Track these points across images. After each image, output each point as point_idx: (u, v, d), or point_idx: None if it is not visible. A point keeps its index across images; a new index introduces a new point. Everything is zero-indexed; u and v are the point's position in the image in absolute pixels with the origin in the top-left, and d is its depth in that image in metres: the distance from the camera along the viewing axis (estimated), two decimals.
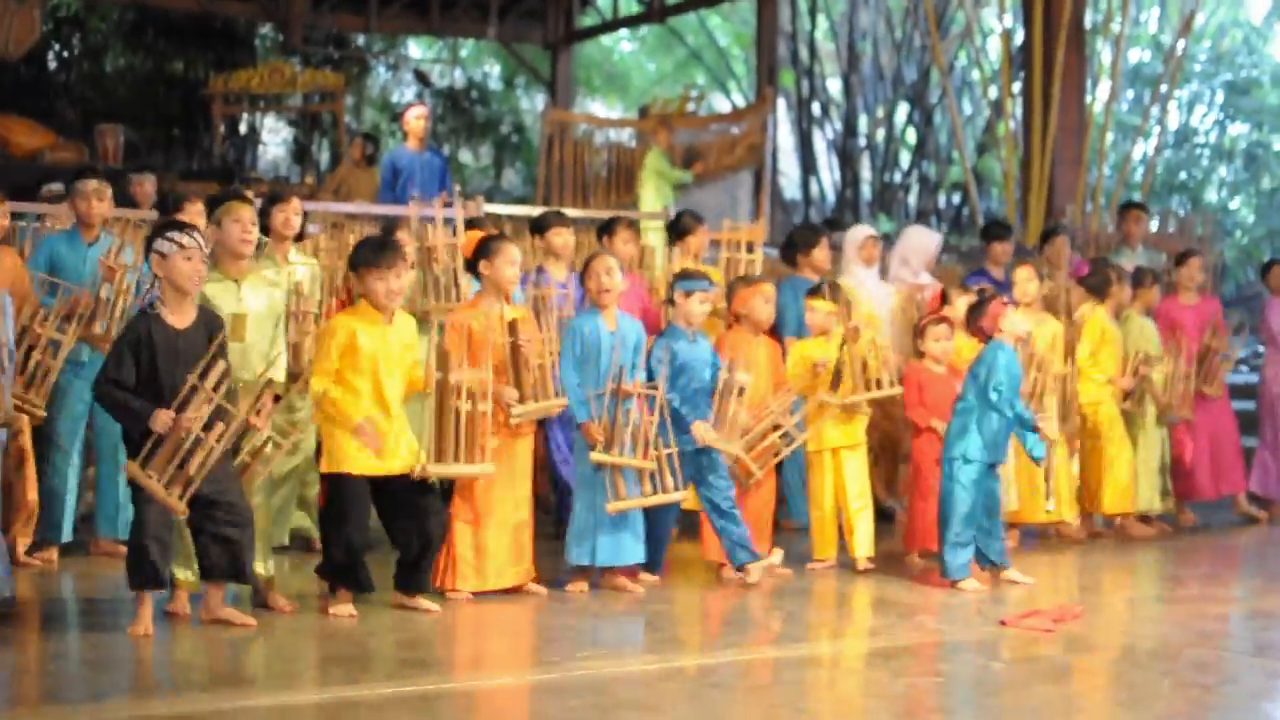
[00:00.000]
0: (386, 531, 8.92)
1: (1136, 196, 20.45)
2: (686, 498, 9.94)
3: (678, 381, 9.83)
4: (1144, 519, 12.61)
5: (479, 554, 9.22)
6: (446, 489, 9.30)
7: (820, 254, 12.38)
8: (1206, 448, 13.40)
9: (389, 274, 8.60)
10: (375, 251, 8.70)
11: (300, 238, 10.29)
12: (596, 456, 9.36)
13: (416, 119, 17.83)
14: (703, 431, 9.75)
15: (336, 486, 8.65)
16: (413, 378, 8.80)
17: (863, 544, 10.57)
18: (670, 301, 10.16)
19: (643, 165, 19.04)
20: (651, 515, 9.84)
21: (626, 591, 9.49)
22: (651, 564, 9.97)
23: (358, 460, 8.57)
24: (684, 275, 10.24)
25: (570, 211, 13.45)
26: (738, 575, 9.87)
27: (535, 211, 13.28)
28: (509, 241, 9.57)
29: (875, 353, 10.57)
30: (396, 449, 8.65)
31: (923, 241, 13.54)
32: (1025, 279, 11.99)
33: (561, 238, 11.55)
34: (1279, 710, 7.18)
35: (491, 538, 9.26)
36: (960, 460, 10.07)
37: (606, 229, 12.09)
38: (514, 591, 9.35)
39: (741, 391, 9.92)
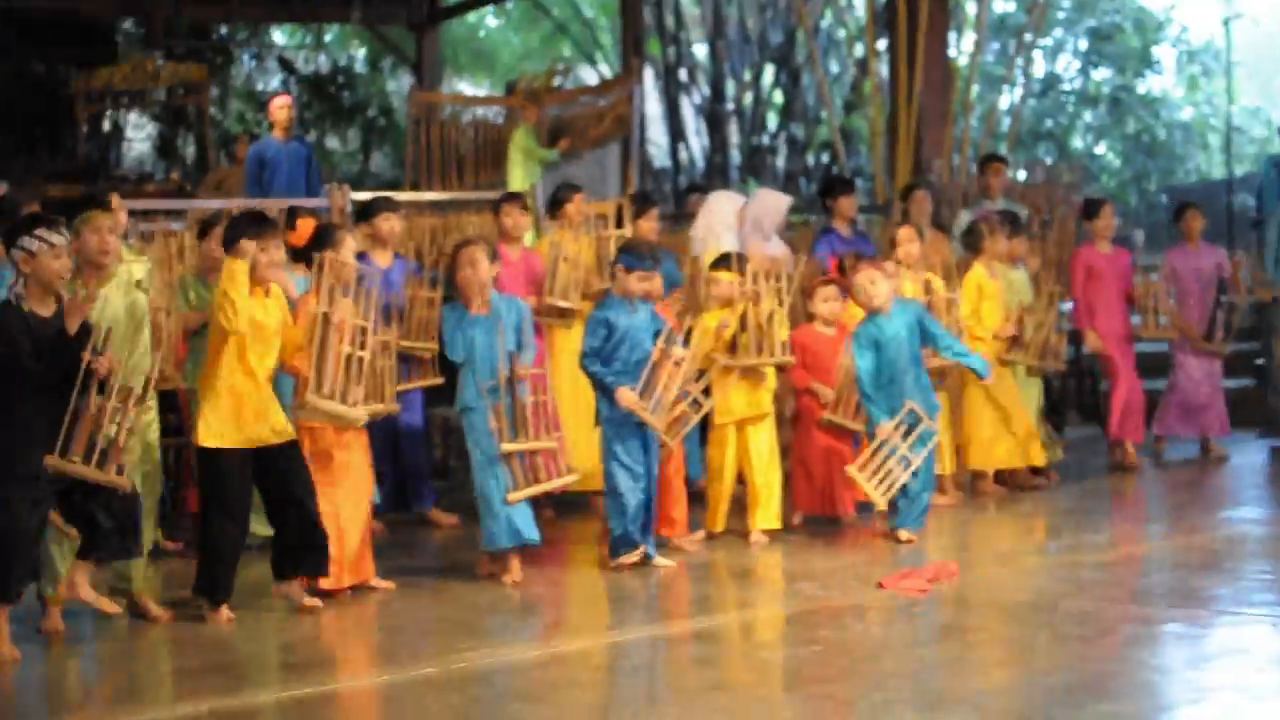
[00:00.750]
0: (268, 515, 8.81)
1: (1003, 147, 20.52)
2: (578, 480, 9.90)
3: (618, 352, 9.70)
4: (1035, 471, 12.65)
5: (341, 551, 9.12)
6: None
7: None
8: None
9: (269, 245, 8.52)
10: (255, 223, 8.63)
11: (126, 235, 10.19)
12: (506, 446, 9.25)
13: (280, 109, 17.65)
14: (628, 398, 9.62)
15: (211, 464, 8.55)
16: (287, 344, 8.69)
17: (767, 517, 10.56)
18: (613, 273, 10.05)
19: (510, 144, 18.94)
20: None
21: (511, 578, 9.41)
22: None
23: (232, 434, 8.49)
24: (629, 250, 10.06)
25: (432, 195, 13.38)
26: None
27: (403, 196, 13.21)
28: (343, 229, 9.45)
29: (776, 319, 10.52)
30: (266, 420, 8.55)
31: (772, 204, 13.44)
32: (907, 239, 11.93)
33: (389, 224, 11.51)
34: (1156, 657, 7.22)
35: (344, 530, 9.17)
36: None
37: (495, 206, 12.09)
38: (362, 588, 9.29)
39: (678, 364, 9.83)
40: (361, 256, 11.35)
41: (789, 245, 13.37)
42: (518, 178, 18.09)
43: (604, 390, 9.69)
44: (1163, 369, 14.33)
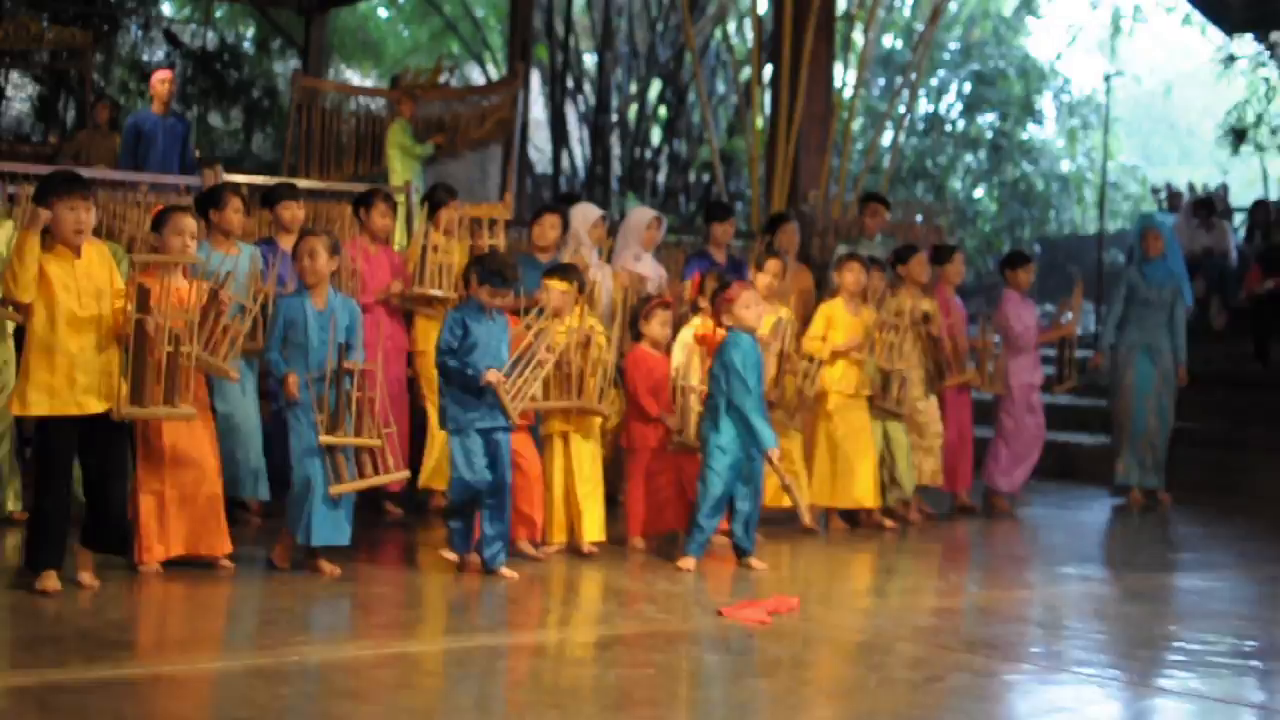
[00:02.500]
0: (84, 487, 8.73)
1: (881, 182, 20.69)
2: (408, 477, 9.92)
3: (470, 356, 9.66)
4: (887, 512, 12.76)
5: (162, 523, 9.09)
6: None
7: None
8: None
9: (80, 205, 8.40)
10: (66, 182, 8.49)
11: None
12: (324, 439, 9.24)
13: (161, 82, 17.54)
14: (494, 376, 9.55)
15: (36, 432, 8.47)
16: (112, 315, 8.58)
17: (590, 529, 10.60)
18: (466, 282, 10.00)
19: (387, 138, 18.91)
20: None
21: (327, 575, 9.40)
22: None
23: (36, 400, 8.38)
24: (481, 264, 9.91)
25: (305, 183, 13.32)
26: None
27: (274, 181, 13.13)
28: (181, 212, 9.34)
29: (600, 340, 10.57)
30: (85, 389, 8.44)
31: (635, 219, 13.50)
32: (772, 272, 12.05)
33: (290, 211, 11.48)
34: (982, 706, 7.28)
35: (175, 505, 9.14)
36: (717, 450, 10.31)
37: (363, 201, 11.99)
38: (205, 562, 9.28)
39: (539, 366, 9.83)
40: (268, 242, 11.35)
41: (662, 265, 13.46)
42: (397, 171, 18.07)
43: (462, 384, 9.66)
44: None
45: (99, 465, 8.55)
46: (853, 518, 12.63)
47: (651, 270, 13.17)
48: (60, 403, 8.36)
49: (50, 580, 8.38)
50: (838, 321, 12.38)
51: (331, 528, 9.39)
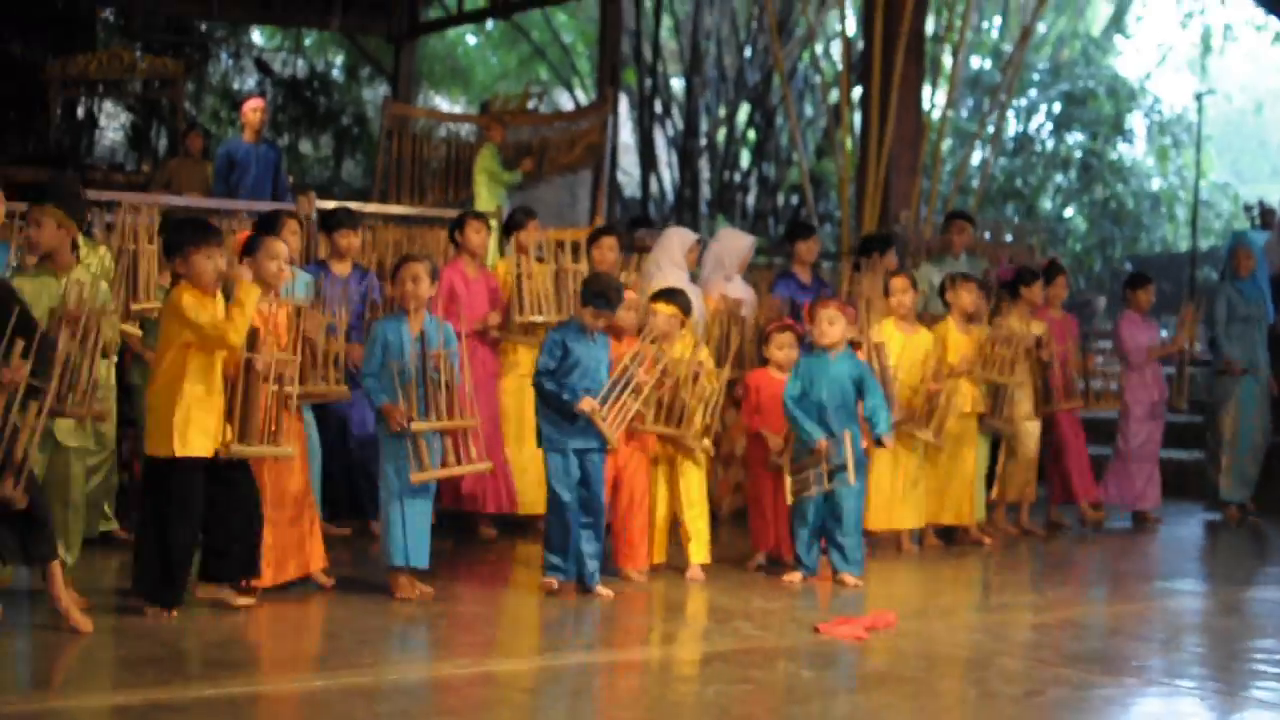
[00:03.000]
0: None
1: (971, 203, 20.62)
2: (490, 469, 9.97)
3: (569, 378, 9.70)
4: (980, 528, 12.78)
5: (269, 548, 9.13)
6: None
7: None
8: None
9: (216, 253, 8.50)
10: (200, 231, 8.60)
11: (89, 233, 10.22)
12: (416, 425, 9.23)
13: (253, 111, 17.73)
14: (590, 406, 9.60)
15: (167, 473, 8.50)
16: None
17: (697, 552, 10.63)
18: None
19: (475, 163, 18.94)
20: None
21: (414, 596, 9.43)
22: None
23: (196, 441, 8.45)
24: (588, 285, 10.05)
25: (398, 209, 13.40)
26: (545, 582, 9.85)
27: (370, 208, 13.24)
28: (272, 237, 9.38)
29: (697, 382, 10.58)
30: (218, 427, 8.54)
31: (735, 244, 13.54)
32: (901, 289, 12.15)
33: (346, 240, 11.56)
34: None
35: (278, 530, 9.21)
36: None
37: (457, 224, 12.08)
38: (301, 581, 9.38)
39: (637, 389, 9.85)
40: (321, 265, 11.43)
41: (751, 286, 13.48)
42: (483, 197, 18.13)
43: (558, 408, 9.69)
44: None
45: (227, 501, 8.64)
46: (949, 534, 12.61)
47: (742, 292, 13.20)
48: (205, 444, 8.47)
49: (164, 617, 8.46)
50: (951, 341, 12.38)
51: (421, 550, 9.44)
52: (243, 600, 8.72)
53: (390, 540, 9.39)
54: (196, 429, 8.42)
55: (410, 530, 9.35)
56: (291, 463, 9.27)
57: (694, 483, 10.69)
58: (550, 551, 9.78)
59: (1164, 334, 14.75)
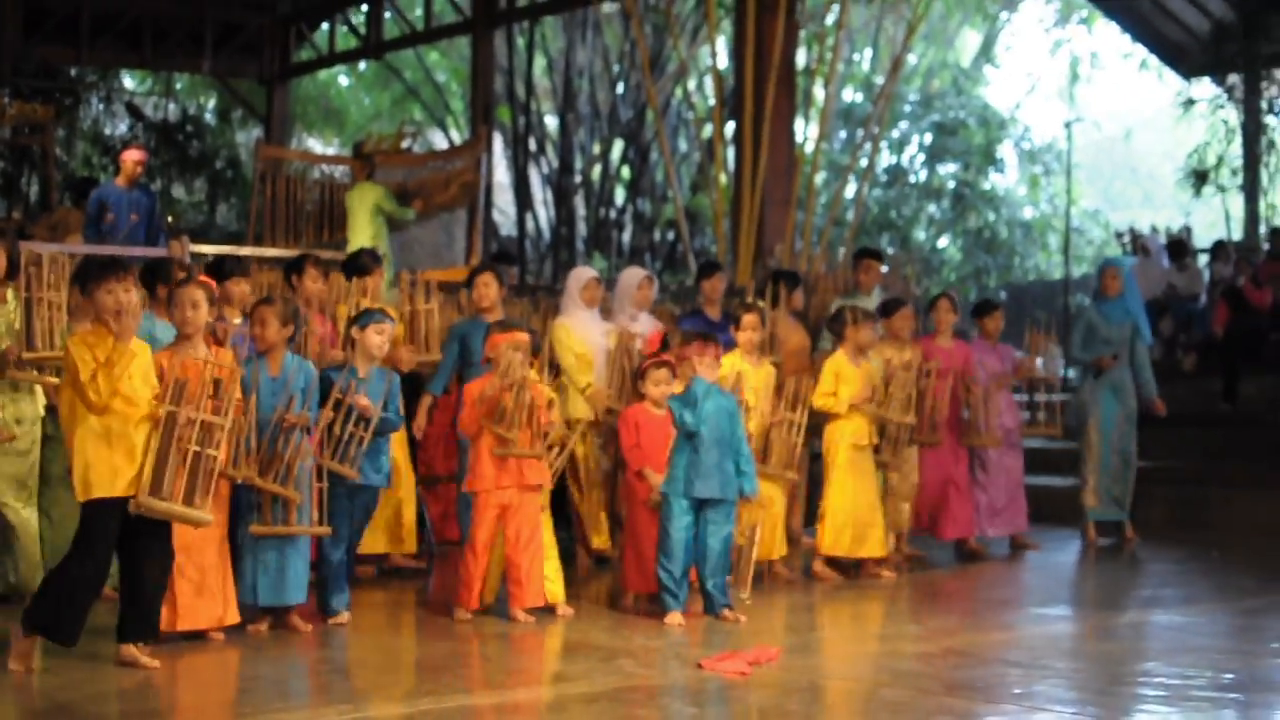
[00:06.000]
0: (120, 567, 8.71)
1: (846, 235, 20.76)
2: (326, 534, 9.98)
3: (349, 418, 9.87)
4: (877, 561, 12.82)
5: (170, 594, 9.05)
6: None
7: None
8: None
9: (116, 287, 8.43)
10: (103, 266, 8.57)
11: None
12: (245, 478, 9.35)
13: (135, 164, 17.50)
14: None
15: (87, 512, 8.39)
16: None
17: (556, 591, 10.64)
18: (349, 343, 10.14)
19: (361, 200, 18.68)
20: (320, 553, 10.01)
21: (300, 631, 9.45)
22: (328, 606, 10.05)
23: (101, 482, 8.34)
24: (359, 313, 10.31)
25: (272, 251, 13.34)
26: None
27: (245, 251, 13.17)
28: (190, 285, 9.32)
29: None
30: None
31: (624, 280, 13.66)
32: (751, 326, 12.21)
33: (239, 287, 11.49)
34: None
35: (184, 578, 9.12)
36: (674, 503, 10.42)
37: (295, 266, 12.03)
38: (202, 634, 9.29)
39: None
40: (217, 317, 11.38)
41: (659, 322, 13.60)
42: (366, 235, 17.94)
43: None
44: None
45: (142, 554, 8.55)
46: (844, 566, 12.66)
47: (648, 329, 13.28)
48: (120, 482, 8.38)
49: (30, 655, 8.37)
50: (845, 375, 12.46)
51: (279, 588, 9.56)
52: (150, 661, 8.58)
53: (240, 578, 9.55)
54: (99, 471, 8.30)
55: (261, 568, 9.53)
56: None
57: (527, 526, 10.62)
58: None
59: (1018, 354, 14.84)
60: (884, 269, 15.78)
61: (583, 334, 12.84)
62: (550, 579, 10.59)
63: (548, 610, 10.52)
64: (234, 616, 9.45)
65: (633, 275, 13.72)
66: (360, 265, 12.46)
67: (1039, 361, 14.55)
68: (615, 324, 13.21)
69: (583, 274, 13.33)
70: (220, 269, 11.70)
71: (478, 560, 10.22)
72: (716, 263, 15.21)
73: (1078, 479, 15.25)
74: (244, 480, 9.36)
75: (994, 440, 14.00)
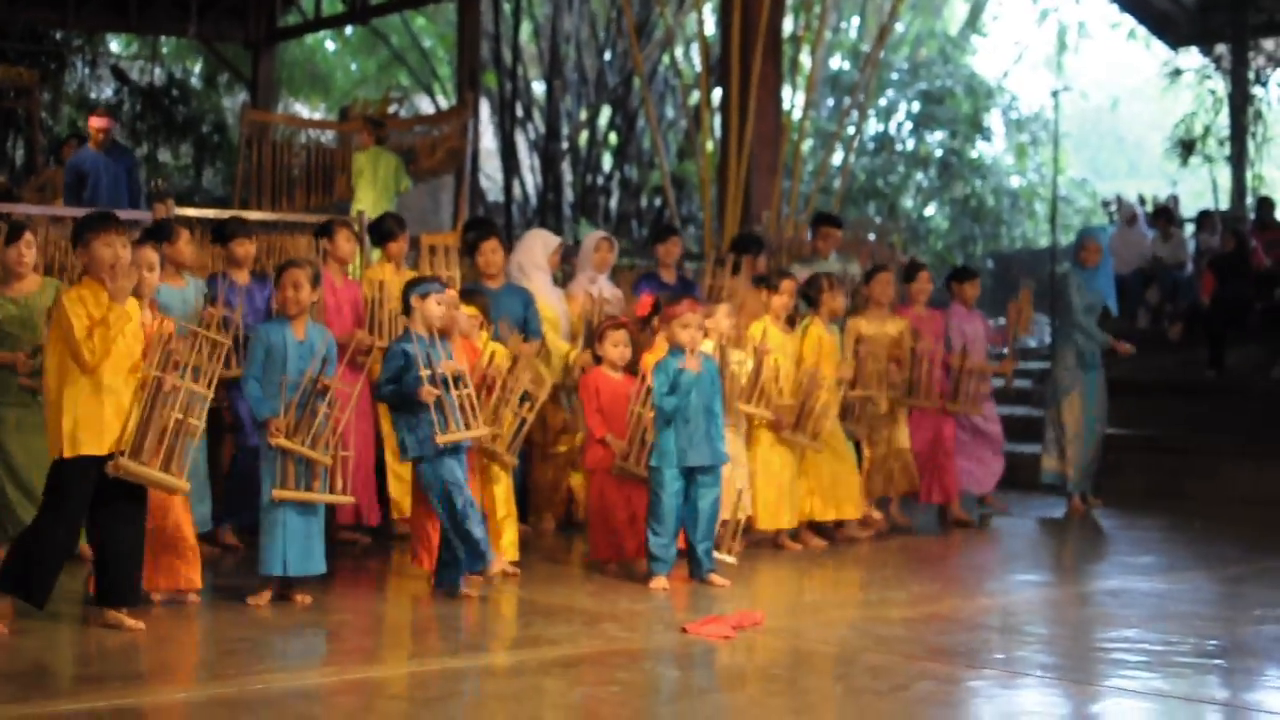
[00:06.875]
0: (87, 532, 8.71)
1: (833, 203, 20.74)
2: (351, 503, 9.99)
3: (406, 385, 9.71)
4: (862, 521, 12.92)
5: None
6: None
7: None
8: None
9: (115, 240, 8.44)
10: (100, 219, 8.60)
11: None
12: (275, 440, 9.26)
13: (97, 131, 17.45)
14: (429, 393, 9.56)
15: (57, 472, 8.40)
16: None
17: (508, 550, 10.61)
18: (406, 310, 10.03)
19: (374, 165, 18.47)
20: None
21: (299, 604, 9.42)
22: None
23: (87, 441, 8.32)
24: (415, 281, 10.13)
25: (258, 215, 13.32)
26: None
27: (228, 215, 13.12)
28: (140, 245, 9.25)
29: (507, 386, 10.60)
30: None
31: (585, 244, 13.65)
32: (787, 291, 12.36)
33: (243, 248, 11.48)
34: (947, 713, 7.32)
35: (158, 542, 9.10)
36: (663, 467, 10.43)
37: (325, 231, 11.99)
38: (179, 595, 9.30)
39: (460, 383, 9.80)
40: (222, 276, 11.37)
41: (617, 287, 13.55)
42: (369, 200, 17.81)
43: (407, 406, 9.72)
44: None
45: (115, 519, 8.55)
46: (826, 532, 12.70)
47: (609, 293, 13.24)
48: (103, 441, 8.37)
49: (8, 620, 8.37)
50: (825, 347, 12.50)
51: (306, 558, 9.40)
52: (134, 623, 8.58)
53: (267, 547, 9.38)
54: (86, 428, 8.30)
55: (291, 538, 9.33)
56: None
57: (503, 487, 10.68)
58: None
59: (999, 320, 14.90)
60: (841, 234, 15.72)
61: (544, 299, 12.80)
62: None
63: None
64: (196, 581, 9.38)
65: (591, 239, 13.74)
66: (386, 230, 12.38)
67: (1014, 334, 14.62)
68: (573, 288, 13.25)
69: (551, 239, 13.32)
70: (224, 230, 11.69)
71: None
72: (673, 226, 15.27)
73: (1045, 447, 15.21)
74: (272, 443, 9.31)
75: (976, 408, 14.03)
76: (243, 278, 11.47)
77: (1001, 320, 14.94)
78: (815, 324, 12.58)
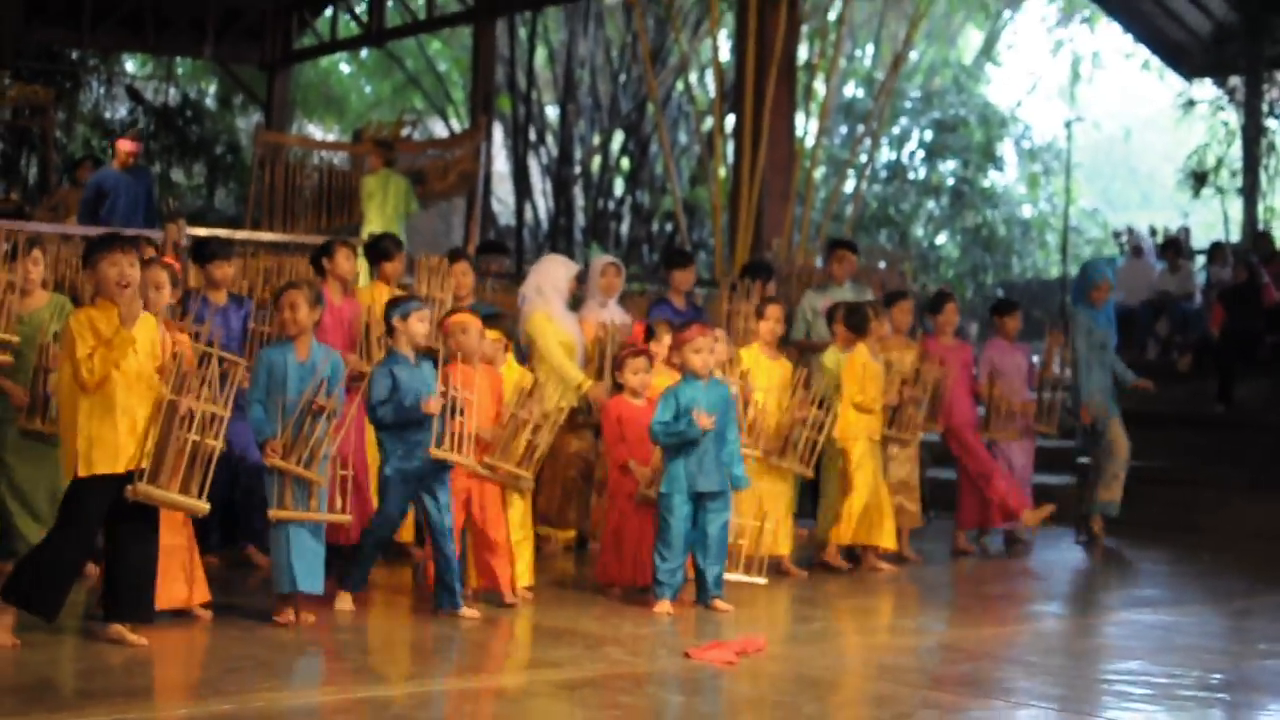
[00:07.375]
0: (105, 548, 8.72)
1: (844, 230, 20.74)
2: (349, 521, 9.96)
3: (402, 406, 9.73)
4: (881, 553, 12.86)
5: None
6: None
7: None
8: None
9: (121, 259, 8.42)
10: (108, 239, 8.57)
11: None
12: (271, 461, 9.27)
13: (127, 154, 17.52)
14: (434, 405, 9.59)
15: (72, 490, 8.38)
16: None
17: (523, 574, 10.60)
18: (389, 330, 10.05)
19: (383, 188, 18.51)
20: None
21: (292, 622, 9.39)
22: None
23: (101, 460, 8.31)
24: (395, 301, 10.16)
25: (269, 236, 13.33)
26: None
27: (241, 235, 13.17)
28: (153, 267, 9.29)
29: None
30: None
31: (553, 270, 13.54)
32: (775, 318, 12.27)
33: (221, 270, 11.52)
34: None
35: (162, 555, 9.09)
36: (673, 493, 10.39)
37: (325, 250, 11.99)
38: (181, 614, 9.28)
39: (462, 410, 9.82)
40: (197, 294, 11.38)
41: (627, 313, 13.54)
42: (379, 223, 17.83)
43: (401, 424, 9.75)
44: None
45: (128, 537, 8.53)
46: (854, 557, 12.74)
47: (619, 319, 13.23)
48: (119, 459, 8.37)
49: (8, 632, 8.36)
50: (870, 372, 12.58)
51: (308, 576, 9.40)
52: (137, 638, 8.58)
53: (277, 566, 9.37)
54: (100, 448, 8.29)
55: (298, 556, 9.32)
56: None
57: (518, 509, 10.67)
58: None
59: (1035, 359, 14.88)
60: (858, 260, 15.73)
61: (561, 324, 12.80)
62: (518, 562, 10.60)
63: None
64: (201, 596, 9.41)
65: (597, 264, 13.73)
66: (383, 250, 12.41)
67: (1055, 363, 14.66)
68: (584, 313, 13.25)
69: (572, 266, 13.29)
70: (204, 251, 11.71)
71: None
72: (687, 253, 15.22)
73: (1090, 473, 15.16)
74: (268, 464, 9.32)
75: (1012, 434, 14.09)
76: (220, 298, 11.49)
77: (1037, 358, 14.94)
78: (860, 351, 12.56)
